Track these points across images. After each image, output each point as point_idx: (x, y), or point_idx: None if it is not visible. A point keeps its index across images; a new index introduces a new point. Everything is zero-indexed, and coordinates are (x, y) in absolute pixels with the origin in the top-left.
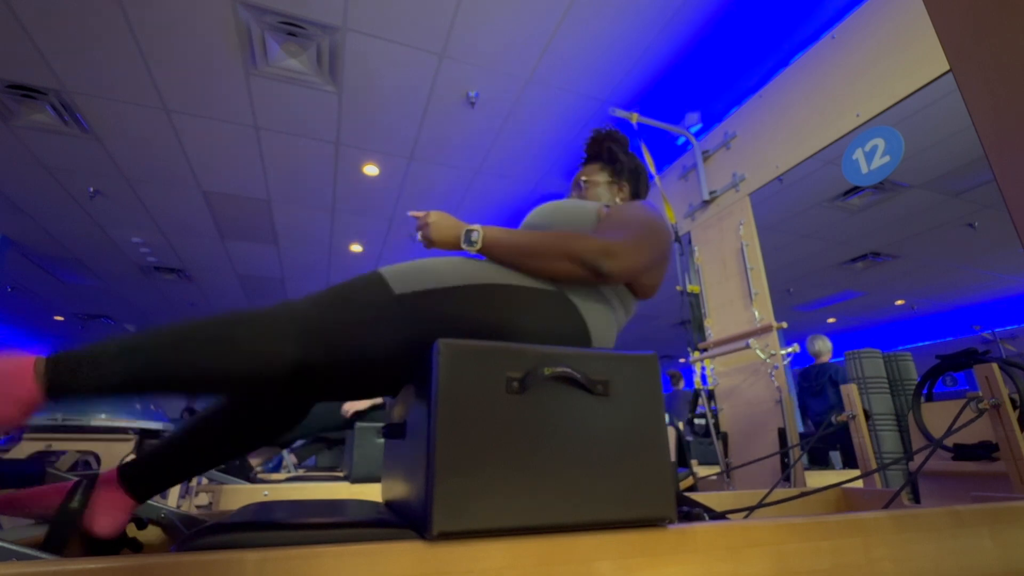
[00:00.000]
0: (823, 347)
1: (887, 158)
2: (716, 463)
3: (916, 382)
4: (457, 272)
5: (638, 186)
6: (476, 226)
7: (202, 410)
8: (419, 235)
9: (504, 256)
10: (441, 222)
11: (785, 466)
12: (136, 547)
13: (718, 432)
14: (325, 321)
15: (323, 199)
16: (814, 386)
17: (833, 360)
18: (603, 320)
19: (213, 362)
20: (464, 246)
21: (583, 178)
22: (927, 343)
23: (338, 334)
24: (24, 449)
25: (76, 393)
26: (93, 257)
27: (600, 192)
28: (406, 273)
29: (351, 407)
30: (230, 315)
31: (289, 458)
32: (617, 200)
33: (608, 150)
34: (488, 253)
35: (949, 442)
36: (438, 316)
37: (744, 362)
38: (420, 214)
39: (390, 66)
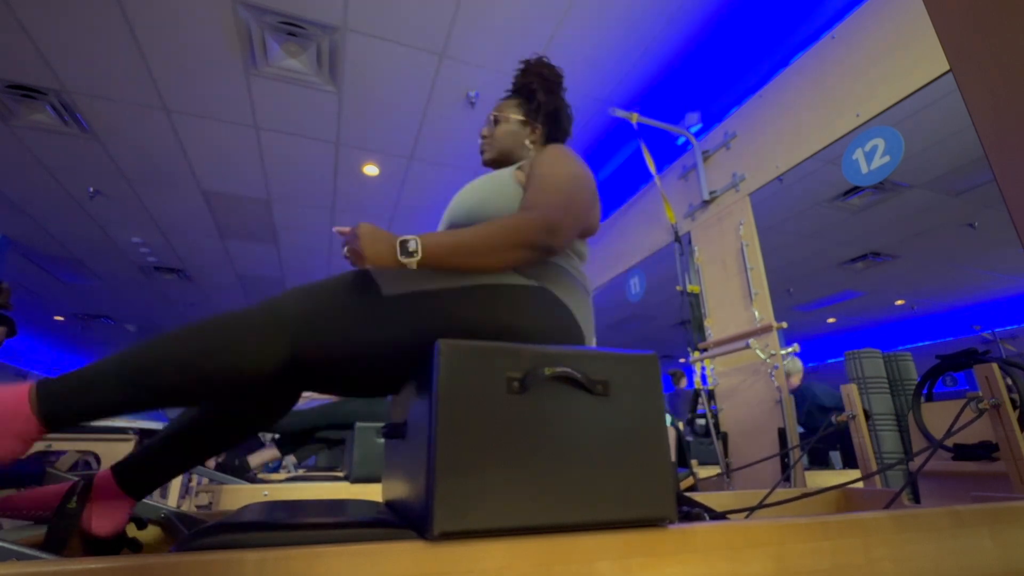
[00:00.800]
0: (792, 368)
1: (887, 158)
2: (716, 463)
3: (916, 382)
4: (447, 272)
5: (556, 130)
6: (411, 236)
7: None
8: (345, 251)
9: (448, 262)
10: (373, 234)
11: (785, 466)
12: (136, 547)
13: (718, 432)
14: (314, 317)
15: (323, 199)
16: (797, 415)
17: (817, 365)
18: (586, 308)
19: (206, 368)
20: (402, 259)
21: (494, 113)
22: (927, 343)
23: (328, 331)
24: None
25: (74, 419)
26: (93, 257)
27: (510, 130)
28: (395, 273)
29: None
30: (217, 319)
31: (289, 458)
32: (527, 143)
33: (527, 86)
34: (430, 262)
35: (949, 442)
36: (429, 318)
37: (744, 362)
38: (345, 229)
39: (390, 66)
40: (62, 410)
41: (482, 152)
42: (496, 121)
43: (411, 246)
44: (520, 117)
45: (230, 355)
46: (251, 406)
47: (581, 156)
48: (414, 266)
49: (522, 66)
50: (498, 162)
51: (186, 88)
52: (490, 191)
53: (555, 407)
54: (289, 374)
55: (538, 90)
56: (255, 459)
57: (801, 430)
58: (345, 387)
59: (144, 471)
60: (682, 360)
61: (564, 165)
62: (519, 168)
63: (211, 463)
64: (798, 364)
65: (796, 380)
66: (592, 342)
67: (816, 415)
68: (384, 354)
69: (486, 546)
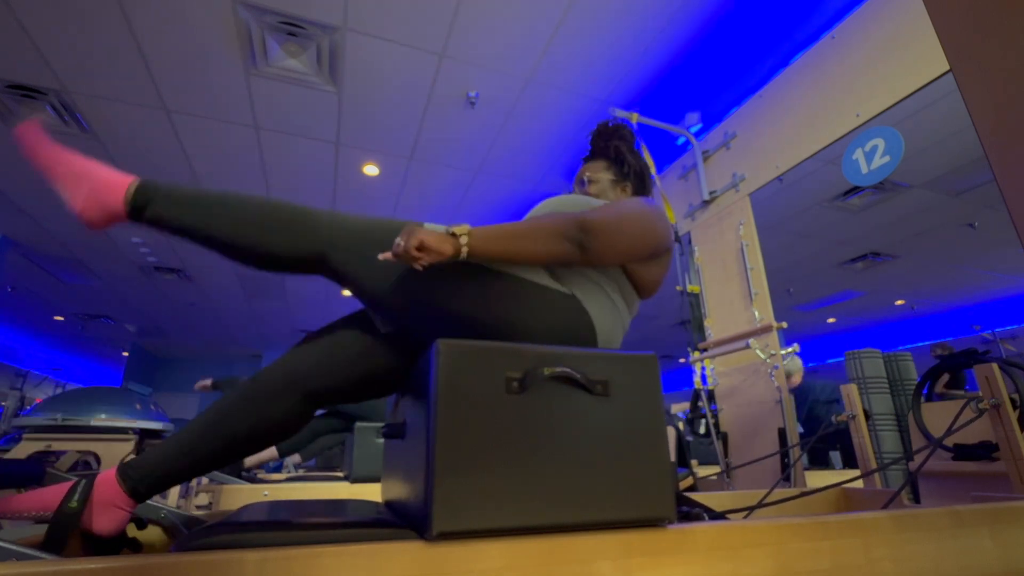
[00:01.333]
0: (792, 367)
1: (887, 158)
2: (716, 463)
3: (916, 382)
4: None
5: (642, 188)
6: (460, 225)
7: (203, 412)
8: (409, 251)
9: (493, 244)
10: (427, 230)
11: (785, 466)
12: (136, 547)
13: (718, 432)
14: (351, 245)
15: (323, 199)
16: (799, 413)
17: (816, 365)
18: (608, 318)
19: (256, 234)
20: (452, 243)
21: (587, 175)
22: (927, 343)
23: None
24: (24, 449)
25: (148, 222)
26: (93, 257)
27: (603, 190)
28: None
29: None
30: (283, 203)
31: (289, 458)
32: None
33: (615, 148)
34: (476, 247)
35: (949, 442)
36: (450, 280)
37: (744, 362)
38: (388, 255)
39: (390, 66)
40: (144, 208)
41: None
42: (589, 182)
43: (459, 233)
44: (611, 177)
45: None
46: (268, 421)
47: (581, 156)
48: (465, 250)
49: (599, 129)
50: None
51: (186, 88)
52: (573, 202)
53: (555, 407)
54: (309, 411)
55: (625, 152)
56: (251, 458)
57: (801, 431)
58: (355, 399)
59: (150, 476)
60: (682, 360)
61: (637, 204)
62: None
63: None
64: (798, 363)
65: (797, 379)
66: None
67: (818, 410)
68: (397, 303)
69: (485, 546)
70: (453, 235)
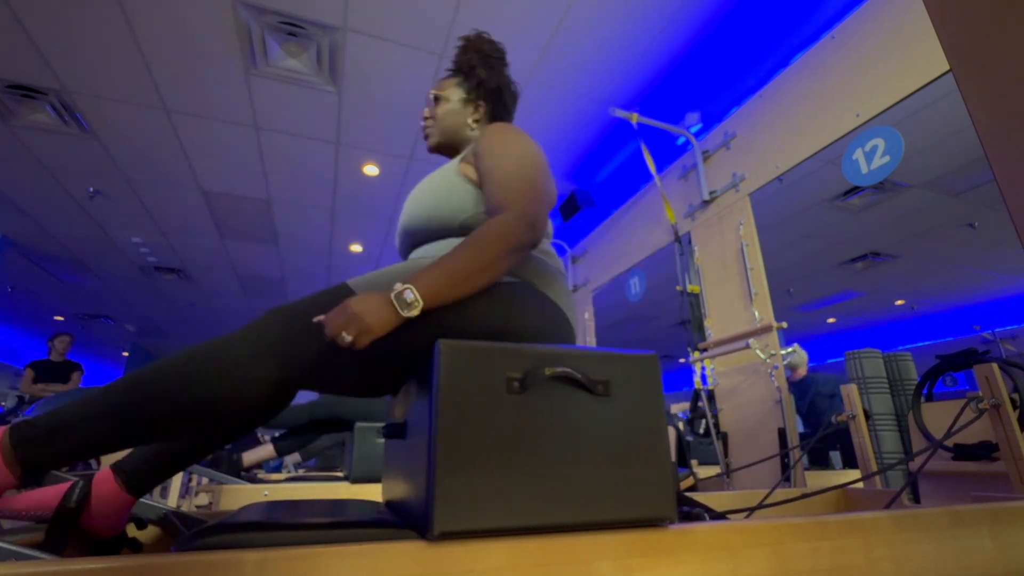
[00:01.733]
0: (798, 360)
1: (887, 158)
2: (716, 463)
3: (916, 382)
4: None
5: (500, 108)
6: (403, 286)
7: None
8: (342, 336)
9: (451, 294)
10: (367, 304)
11: (785, 467)
12: (136, 547)
13: (718, 432)
14: (295, 344)
15: (323, 199)
16: (801, 405)
17: (817, 365)
18: (567, 296)
19: (191, 406)
20: (404, 314)
21: (433, 92)
22: (927, 343)
23: (311, 357)
24: None
25: (53, 464)
26: (93, 257)
27: (451, 109)
28: (375, 286)
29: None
30: (195, 352)
31: (289, 458)
32: (470, 122)
33: (467, 62)
34: (432, 305)
35: (949, 442)
36: (418, 328)
37: (744, 362)
38: (322, 319)
39: (390, 66)
40: (39, 455)
41: (426, 137)
42: (437, 100)
43: (408, 297)
44: (462, 95)
45: (216, 392)
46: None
47: (581, 156)
48: (415, 313)
49: (461, 43)
50: (443, 146)
51: (186, 88)
52: (440, 195)
53: (555, 407)
54: (281, 390)
55: (478, 66)
56: (250, 456)
57: (801, 430)
58: (341, 392)
59: (143, 467)
60: (682, 360)
61: (514, 148)
62: (463, 160)
63: None
64: (804, 356)
65: (802, 371)
66: (575, 326)
67: (819, 404)
68: (376, 366)
69: (486, 546)
70: (401, 297)
